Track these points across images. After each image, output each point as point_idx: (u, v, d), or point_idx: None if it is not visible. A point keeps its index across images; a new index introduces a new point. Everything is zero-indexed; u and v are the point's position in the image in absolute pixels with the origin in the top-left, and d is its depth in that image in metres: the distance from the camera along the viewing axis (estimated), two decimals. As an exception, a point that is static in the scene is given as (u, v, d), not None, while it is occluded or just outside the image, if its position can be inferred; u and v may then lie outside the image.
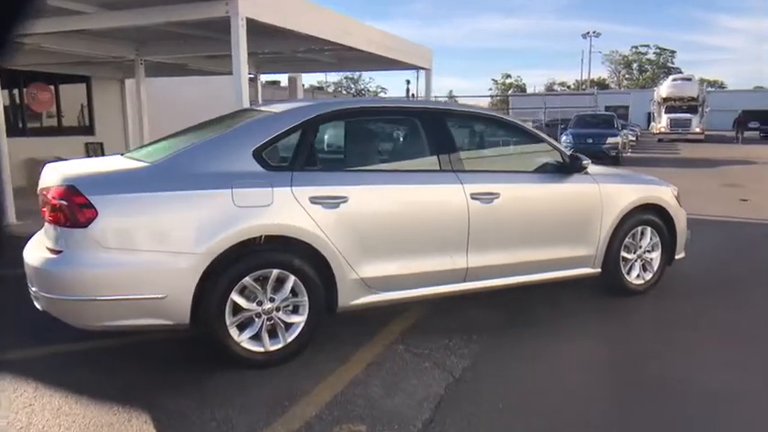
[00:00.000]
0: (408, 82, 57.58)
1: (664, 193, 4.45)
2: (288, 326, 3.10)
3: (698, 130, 36.28)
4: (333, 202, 3.11)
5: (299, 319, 3.12)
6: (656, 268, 4.42)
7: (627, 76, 68.30)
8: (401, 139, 3.69)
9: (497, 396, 2.82)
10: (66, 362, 3.19)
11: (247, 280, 2.96)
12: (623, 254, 4.24)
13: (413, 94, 57.28)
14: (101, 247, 2.69)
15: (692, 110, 38.69)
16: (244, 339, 2.99)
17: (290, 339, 3.10)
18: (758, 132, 40.25)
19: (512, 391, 2.89)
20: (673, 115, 36.55)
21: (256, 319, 3.03)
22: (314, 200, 3.07)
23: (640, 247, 4.33)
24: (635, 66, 67.92)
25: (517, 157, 4.01)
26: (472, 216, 3.51)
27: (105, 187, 2.76)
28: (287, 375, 3.00)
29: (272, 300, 3.04)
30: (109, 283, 2.73)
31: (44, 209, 2.86)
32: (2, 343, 3.40)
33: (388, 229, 3.31)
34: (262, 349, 3.04)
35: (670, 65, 65.76)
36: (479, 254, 3.59)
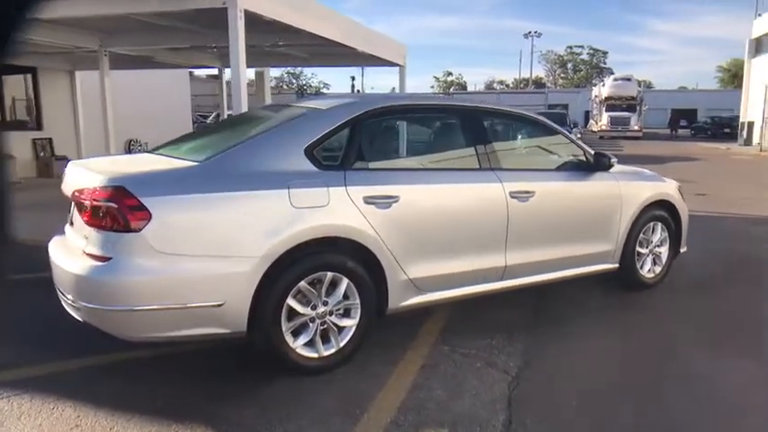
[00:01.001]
0: (353, 78, 57.81)
1: (671, 189, 4.63)
2: (340, 330, 3.01)
3: (636, 127, 38.17)
4: (386, 202, 3.03)
5: (351, 323, 3.03)
6: (664, 262, 4.60)
7: (562, 75, 70.84)
8: (443, 137, 3.64)
9: (566, 394, 2.84)
10: (102, 374, 2.97)
11: (303, 284, 2.84)
12: (638, 249, 4.37)
13: (357, 91, 57.46)
14: (155, 252, 2.50)
15: (631, 108, 40.65)
16: (299, 345, 2.88)
17: (342, 344, 3.00)
18: (690, 130, 42.80)
19: (578, 388, 2.91)
20: (613, 114, 38.27)
21: (310, 324, 2.92)
22: (368, 200, 2.98)
23: (651, 241, 4.49)
24: (570, 65, 70.49)
25: (546, 155, 4.05)
26: (511, 214, 3.52)
27: (157, 188, 2.56)
28: (343, 381, 2.91)
29: (325, 303, 2.94)
30: (164, 292, 2.54)
31: (83, 211, 2.64)
32: (30, 356, 3.15)
33: (436, 229, 3.27)
34: (316, 355, 2.93)
35: (602, 65, 68.82)
36: (516, 252, 3.60)
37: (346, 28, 7.88)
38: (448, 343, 3.41)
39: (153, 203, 2.49)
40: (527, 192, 3.60)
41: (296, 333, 2.88)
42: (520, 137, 3.98)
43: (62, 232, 3.20)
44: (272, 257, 2.70)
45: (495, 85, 70.41)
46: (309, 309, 2.89)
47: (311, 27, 6.63)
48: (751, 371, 3.13)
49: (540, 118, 4.04)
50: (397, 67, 11.04)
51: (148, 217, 2.48)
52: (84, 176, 2.75)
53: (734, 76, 61.68)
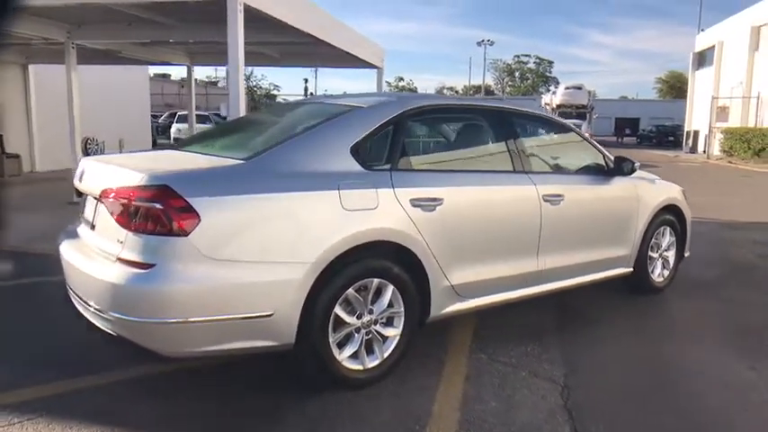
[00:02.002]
0: (306, 81, 57.31)
1: (678, 193, 4.70)
2: (383, 340, 2.85)
3: (587, 135, 39.24)
4: (431, 205, 2.90)
5: (395, 333, 2.87)
6: (671, 266, 4.66)
7: (510, 83, 72.41)
8: (478, 138, 3.53)
9: (619, 401, 2.78)
10: (128, 392, 2.71)
11: (350, 291, 2.67)
12: (649, 253, 4.41)
13: (311, 93, 56.95)
14: (204, 258, 2.26)
15: (582, 116, 41.99)
16: (344, 357, 2.69)
17: (386, 354, 2.84)
18: (636, 138, 44.70)
19: (628, 394, 2.85)
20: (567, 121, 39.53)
21: (355, 335, 2.74)
22: (414, 202, 2.84)
23: (661, 246, 4.53)
24: (517, 74, 72.20)
25: (569, 158, 4.01)
26: (543, 218, 3.45)
27: (204, 188, 2.33)
28: (391, 394, 2.75)
29: (370, 312, 2.78)
30: (212, 302, 2.31)
31: (116, 213, 2.37)
32: (37, 374, 2.83)
33: (477, 233, 3.15)
34: (361, 367, 2.76)
35: (548, 74, 70.86)
36: (547, 256, 3.54)
37: (332, 27, 7.69)
38: (483, 351, 3.30)
39: (201, 205, 2.26)
40: (558, 195, 3.54)
41: (341, 344, 2.70)
42: (545, 139, 3.92)
43: (72, 235, 2.90)
44: (324, 263, 2.51)
45: (444, 91, 71.23)
46: (355, 318, 2.72)
47: (305, 25, 6.41)
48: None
49: (563, 121, 4.01)
50: (363, 68, 10.94)
51: (197, 219, 2.24)
52: (115, 174, 2.48)
53: (671, 88, 64.83)
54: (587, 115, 42.67)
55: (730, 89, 28.45)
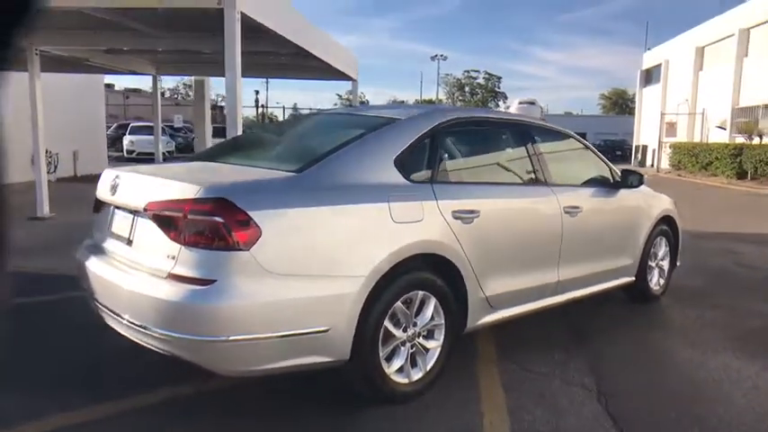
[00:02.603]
0: (257, 92, 56.81)
1: (671, 205, 4.93)
2: (426, 352, 2.86)
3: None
4: (470, 217, 2.94)
5: (436, 345, 2.89)
6: (666, 274, 4.88)
7: (460, 97, 73.97)
8: (505, 151, 3.62)
9: (657, 405, 2.88)
10: (157, 416, 2.60)
11: (398, 304, 2.67)
12: (648, 262, 4.61)
13: (262, 105, 56.45)
14: (265, 273, 2.23)
15: (535, 130, 43.13)
16: (392, 371, 2.69)
17: (428, 367, 2.85)
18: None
19: (662, 398, 2.96)
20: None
21: (401, 348, 2.75)
22: (455, 214, 2.88)
23: (657, 255, 4.74)
24: (467, 89, 73.92)
25: (581, 171, 4.15)
26: (564, 229, 3.57)
27: (263, 200, 2.29)
28: (439, 408, 2.75)
29: (414, 325, 2.79)
30: (274, 317, 2.26)
31: (168, 227, 2.30)
32: (57, 399, 2.68)
33: (508, 244, 3.22)
34: (407, 380, 2.76)
35: (497, 89, 72.98)
36: (566, 267, 3.65)
37: (319, 40, 7.69)
38: (512, 361, 3.35)
39: (262, 218, 2.22)
40: (576, 207, 3.66)
41: (389, 358, 2.69)
42: (560, 151, 4.05)
43: (96, 250, 2.79)
44: (377, 276, 2.51)
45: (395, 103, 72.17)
46: (401, 331, 2.73)
47: (294, 37, 6.39)
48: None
49: (573, 134, 4.16)
50: (339, 80, 10.98)
51: (258, 233, 2.21)
52: (164, 186, 2.40)
53: (614, 104, 67.84)
54: (540, 129, 43.98)
55: (677, 105, 30.08)
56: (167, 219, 2.29)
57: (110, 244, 2.72)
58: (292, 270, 2.30)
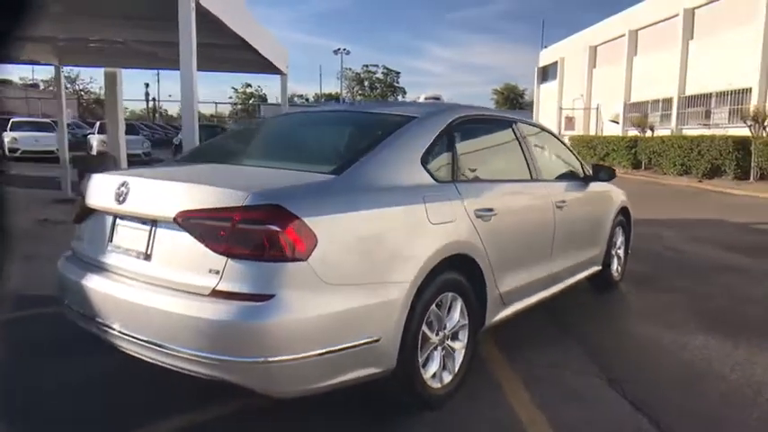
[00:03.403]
0: (147, 85, 53.75)
1: (624, 196, 5.27)
2: (453, 354, 2.84)
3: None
4: (489, 215, 2.96)
5: (461, 346, 2.87)
6: (622, 261, 5.22)
7: (360, 92, 74.54)
8: (505, 148, 3.64)
9: (671, 389, 3.05)
10: None
11: (433, 308, 2.63)
12: (611, 251, 4.90)
13: (153, 99, 53.28)
14: (323, 284, 2.09)
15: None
16: (428, 377, 2.64)
17: (456, 369, 2.84)
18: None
19: (672, 380, 3.14)
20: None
21: (434, 352, 2.71)
22: (477, 213, 2.87)
23: (616, 244, 5.06)
24: (366, 83, 74.58)
25: (562, 166, 4.31)
26: (556, 223, 3.70)
27: (314, 206, 2.13)
28: (472, 410, 2.74)
29: (444, 327, 2.76)
30: (332, 331, 2.12)
31: (210, 238, 2.08)
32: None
33: (517, 240, 3.28)
34: (439, 384, 2.72)
35: (396, 84, 74.30)
36: (557, 259, 3.78)
37: (258, 32, 7.34)
38: (518, 358, 3.41)
39: (316, 224, 2.08)
40: (563, 201, 3.81)
41: (424, 363, 2.64)
42: (545, 147, 4.17)
43: (90, 267, 2.50)
44: (420, 280, 2.45)
45: (295, 99, 71.15)
46: (435, 335, 2.69)
47: (238, 27, 6.06)
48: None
49: (549, 129, 4.31)
50: (270, 74, 10.62)
51: (315, 241, 2.06)
52: (197, 193, 2.17)
53: (507, 99, 71.34)
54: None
55: (572, 101, 32.31)
56: (208, 229, 2.08)
57: (113, 258, 2.43)
58: (346, 279, 2.18)
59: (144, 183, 2.38)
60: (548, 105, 36.04)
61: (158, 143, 24.93)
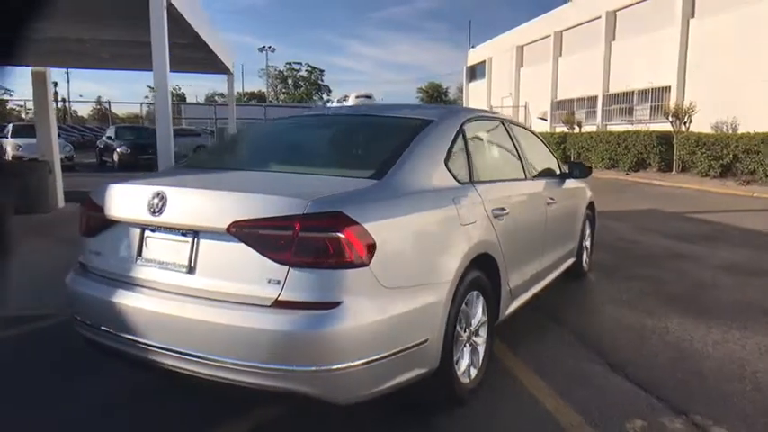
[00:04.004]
0: (56, 84, 50.65)
1: (590, 191, 5.60)
2: (477, 350, 2.95)
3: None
4: (503, 214, 3.08)
5: (482, 342, 2.99)
6: (590, 252, 5.54)
7: (284, 90, 73.67)
8: (506, 149, 3.75)
9: (664, 369, 3.30)
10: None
11: (463, 306, 2.72)
12: (582, 243, 5.19)
13: (63, 99, 50.16)
14: (382, 289, 2.12)
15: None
16: (460, 373, 2.74)
17: (479, 364, 2.95)
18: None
19: (664, 363, 3.39)
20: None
21: (464, 349, 2.80)
22: (494, 212, 3.00)
23: (586, 235, 5.37)
24: (290, 81, 73.82)
25: (544, 164, 4.50)
26: (547, 219, 3.90)
27: (370, 211, 2.15)
28: (496, 402, 2.86)
29: (469, 325, 2.86)
30: (392, 335, 2.17)
31: (269, 248, 2.06)
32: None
33: (523, 237, 3.43)
34: (468, 380, 2.82)
35: (320, 82, 73.86)
36: (547, 253, 3.99)
37: (207, 28, 7.15)
38: (521, 351, 3.56)
39: (374, 230, 2.11)
40: (552, 198, 4.02)
41: (457, 360, 2.73)
42: (532, 147, 4.35)
43: (106, 282, 2.40)
44: (457, 280, 2.53)
45: (215, 98, 69.25)
46: (464, 332, 2.78)
47: (200, 29, 5.91)
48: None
49: (530, 128, 4.51)
50: (215, 74, 10.35)
51: (374, 246, 2.10)
52: (250, 202, 2.13)
53: (431, 97, 72.84)
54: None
55: (501, 99, 33.44)
56: (268, 238, 2.05)
57: (145, 273, 2.33)
58: (401, 282, 2.23)
59: (185, 193, 2.31)
60: (477, 103, 37.09)
61: (77, 147, 23.51)
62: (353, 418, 2.62)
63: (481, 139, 3.42)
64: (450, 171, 2.82)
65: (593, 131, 21.19)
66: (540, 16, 29.09)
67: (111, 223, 2.49)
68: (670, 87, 19.31)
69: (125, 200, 2.44)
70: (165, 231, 2.31)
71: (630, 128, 19.57)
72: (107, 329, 2.39)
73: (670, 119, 16.45)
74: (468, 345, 2.82)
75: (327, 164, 2.85)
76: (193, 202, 2.26)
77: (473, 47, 39.99)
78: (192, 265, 2.22)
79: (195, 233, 2.22)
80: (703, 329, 4.00)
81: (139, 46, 7.78)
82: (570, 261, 4.81)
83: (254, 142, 3.37)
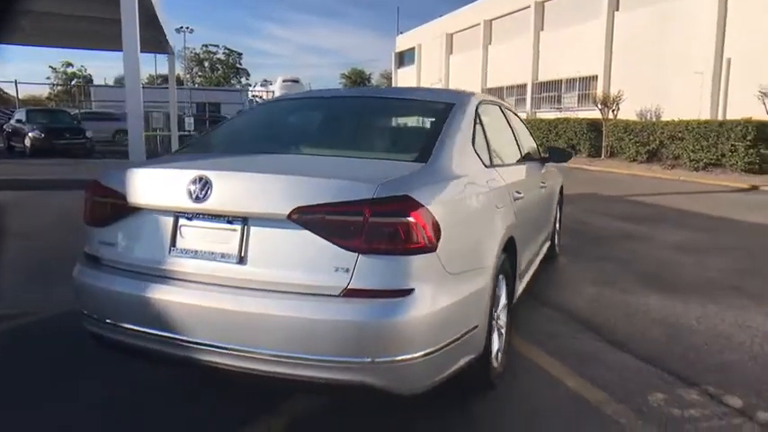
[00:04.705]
0: None
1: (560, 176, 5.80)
2: (502, 333, 2.98)
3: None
4: (519, 197, 3.12)
5: (504, 324, 3.00)
6: (559, 235, 5.75)
7: (200, 73, 71.19)
8: (507, 132, 3.76)
9: (660, 343, 3.48)
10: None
11: (495, 290, 2.73)
12: (555, 226, 5.38)
13: None
14: (447, 274, 2.08)
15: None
16: (493, 357, 2.75)
17: (503, 347, 2.98)
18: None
19: (658, 337, 3.57)
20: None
21: (494, 333, 2.81)
22: (515, 196, 3.03)
23: (556, 219, 5.56)
24: (207, 64, 71.31)
25: (529, 146, 4.57)
26: (540, 202, 4.00)
27: (432, 195, 2.08)
28: (522, 383, 2.91)
29: (497, 308, 2.88)
30: (455, 321, 2.13)
31: (335, 234, 1.96)
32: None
33: (530, 219, 3.50)
34: (497, 363, 2.84)
35: (239, 66, 71.95)
36: (539, 235, 4.10)
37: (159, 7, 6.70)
38: (523, 329, 3.65)
39: (438, 214, 2.06)
40: (543, 182, 4.12)
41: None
42: (521, 130, 4.40)
43: (133, 275, 2.22)
44: (498, 264, 2.54)
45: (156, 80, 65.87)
46: (496, 316, 2.80)
47: (157, 6, 5.51)
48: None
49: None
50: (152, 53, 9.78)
51: (440, 231, 2.05)
52: (321, 187, 2.02)
53: (354, 82, 72.82)
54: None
55: (431, 85, 33.89)
56: (336, 224, 1.95)
57: (183, 264, 2.15)
58: (459, 267, 2.19)
59: (234, 177, 2.14)
60: (407, 90, 37.47)
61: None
62: (389, 407, 2.59)
63: (491, 123, 3.43)
64: (477, 154, 2.81)
65: (525, 119, 21.97)
66: (470, 4, 29.69)
67: (130, 211, 2.28)
68: (597, 76, 20.37)
69: (155, 185, 2.23)
70: (206, 219, 2.14)
71: (560, 115, 20.46)
72: (130, 326, 2.20)
73: (599, 106, 17.35)
74: (497, 329, 2.84)
75: (365, 147, 2.76)
76: (245, 188, 2.09)
77: (401, 33, 40.21)
78: (243, 254, 2.07)
79: (244, 220, 2.07)
80: (681, 306, 4.26)
81: (64, 19, 7.20)
82: (548, 244, 4.96)
83: (275, 124, 3.18)
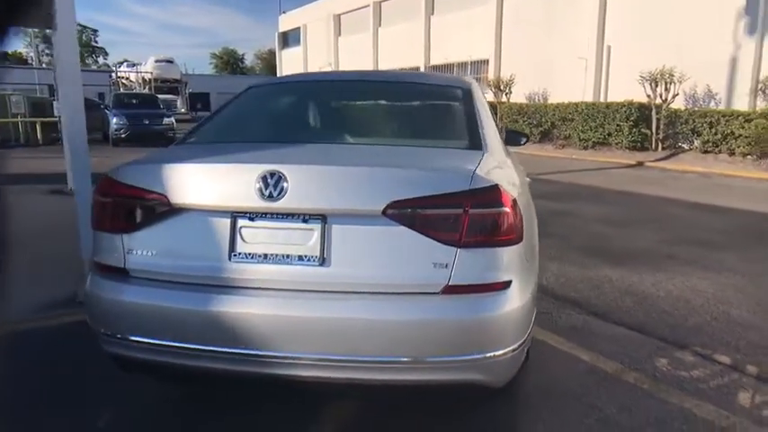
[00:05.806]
0: None
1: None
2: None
3: (183, 110, 39.90)
4: (529, 182, 3.22)
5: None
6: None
7: (47, 51, 65.31)
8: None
9: (643, 315, 3.81)
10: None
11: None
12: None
13: None
14: (526, 262, 2.10)
15: (175, 91, 42.12)
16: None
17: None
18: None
19: (643, 312, 3.91)
20: (160, 96, 39.02)
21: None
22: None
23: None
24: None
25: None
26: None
27: (508, 183, 2.08)
28: (539, 362, 3.05)
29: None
30: (533, 310, 2.17)
31: (434, 228, 1.91)
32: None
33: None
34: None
35: (94, 44, 67.11)
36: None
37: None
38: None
39: (520, 202, 2.09)
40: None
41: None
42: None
43: (176, 290, 2.01)
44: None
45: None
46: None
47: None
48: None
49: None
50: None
51: (522, 221, 2.07)
52: (414, 179, 1.94)
53: (226, 63, 70.21)
54: (180, 90, 42.95)
55: (319, 68, 33.52)
56: (435, 218, 1.89)
57: (249, 270, 1.95)
58: (529, 255, 2.22)
59: (314, 171, 1.97)
60: (293, 71, 36.73)
61: None
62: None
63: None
64: (501, 138, 2.86)
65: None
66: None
67: (169, 213, 2.03)
68: (488, 60, 21.34)
69: (208, 182, 2.00)
70: (275, 219, 1.96)
71: (453, 98, 21.21)
72: (178, 344, 1.98)
73: (493, 90, 18.24)
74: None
75: (410, 134, 2.68)
76: (328, 183, 1.95)
77: (284, 12, 39.26)
78: (325, 255, 1.94)
79: (323, 218, 1.94)
80: (636, 276, 4.67)
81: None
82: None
83: (307, 109, 2.96)
